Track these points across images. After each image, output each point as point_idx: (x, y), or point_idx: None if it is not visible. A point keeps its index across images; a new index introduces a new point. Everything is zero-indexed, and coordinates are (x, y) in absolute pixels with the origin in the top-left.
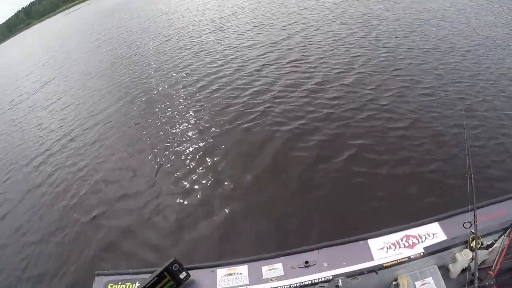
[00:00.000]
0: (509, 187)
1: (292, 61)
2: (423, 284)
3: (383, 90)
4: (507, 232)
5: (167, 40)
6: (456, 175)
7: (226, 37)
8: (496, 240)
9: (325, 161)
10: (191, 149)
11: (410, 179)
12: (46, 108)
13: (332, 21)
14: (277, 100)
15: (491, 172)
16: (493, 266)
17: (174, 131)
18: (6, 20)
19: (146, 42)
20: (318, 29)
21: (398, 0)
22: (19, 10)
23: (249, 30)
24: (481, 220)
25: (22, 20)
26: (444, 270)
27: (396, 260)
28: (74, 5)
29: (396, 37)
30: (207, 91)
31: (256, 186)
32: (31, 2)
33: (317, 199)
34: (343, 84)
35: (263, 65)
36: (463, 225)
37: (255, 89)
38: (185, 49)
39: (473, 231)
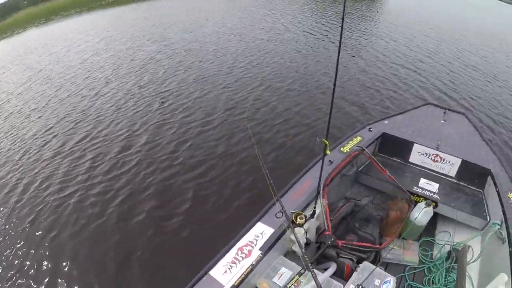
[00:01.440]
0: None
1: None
2: (280, 277)
3: (161, 130)
4: (321, 194)
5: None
6: (258, 176)
7: None
8: (315, 207)
9: (125, 219)
10: None
11: (222, 198)
12: None
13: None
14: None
15: (280, 166)
16: (326, 226)
17: None
18: None
19: None
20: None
21: (175, 41)
22: None
23: None
24: (295, 198)
25: None
26: (291, 254)
27: (243, 273)
28: None
29: (178, 71)
30: None
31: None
32: None
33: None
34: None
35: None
36: (276, 216)
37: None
38: None
39: (293, 211)
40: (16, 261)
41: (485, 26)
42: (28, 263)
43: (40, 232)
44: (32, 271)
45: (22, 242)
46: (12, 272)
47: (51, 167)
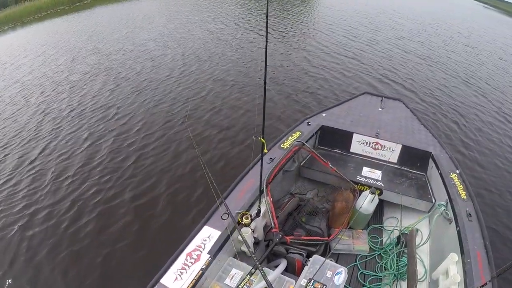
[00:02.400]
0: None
1: None
2: (232, 278)
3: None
4: (264, 193)
5: None
6: (198, 180)
7: None
8: (259, 206)
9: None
10: None
11: (163, 202)
12: None
13: None
14: None
15: (221, 166)
16: (272, 223)
17: None
18: None
19: None
20: None
21: (111, 52)
22: None
23: None
24: (239, 199)
25: None
26: (241, 254)
27: (194, 278)
28: None
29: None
30: None
31: None
32: None
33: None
34: None
35: None
36: (221, 217)
37: None
38: None
39: (238, 212)
40: None
41: (419, 13)
42: None
43: None
44: None
45: None
46: None
47: None
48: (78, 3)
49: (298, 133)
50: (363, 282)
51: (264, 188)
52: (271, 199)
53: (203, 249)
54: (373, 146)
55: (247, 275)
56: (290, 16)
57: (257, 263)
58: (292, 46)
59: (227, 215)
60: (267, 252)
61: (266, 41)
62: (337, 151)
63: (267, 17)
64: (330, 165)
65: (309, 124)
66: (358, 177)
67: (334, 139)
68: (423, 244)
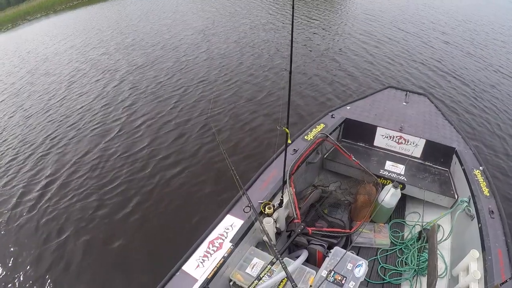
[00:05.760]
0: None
1: None
2: (253, 267)
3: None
4: (287, 183)
5: None
6: (223, 173)
7: None
8: (282, 196)
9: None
10: None
11: (190, 195)
12: None
13: None
14: None
15: (244, 156)
16: (294, 214)
17: None
18: None
19: None
20: None
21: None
22: None
23: None
24: (263, 189)
25: None
26: (262, 244)
27: (216, 266)
28: None
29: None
30: None
31: None
32: None
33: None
34: None
35: None
36: (243, 210)
37: None
38: None
39: (261, 201)
40: None
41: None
42: None
43: None
44: None
45: None
46: None
47: None
48: None
49: (322, 125)
50: (383, 276)
51: (287, 179)
52: (294, 190)
53: (226, 238)
54: (397, 140)
55: (268, 265)
56: (322, 5)
57: (278, 254)
58: (326, 36)
59: (249, 208)
60: (288, 243)
61: (292, 30)
62: (361, 144)
63: (293, 7)
64: (353, 158)
65: (333, 117)
66: (381, 171)
67: (358, 132)
68: (445, 240)
